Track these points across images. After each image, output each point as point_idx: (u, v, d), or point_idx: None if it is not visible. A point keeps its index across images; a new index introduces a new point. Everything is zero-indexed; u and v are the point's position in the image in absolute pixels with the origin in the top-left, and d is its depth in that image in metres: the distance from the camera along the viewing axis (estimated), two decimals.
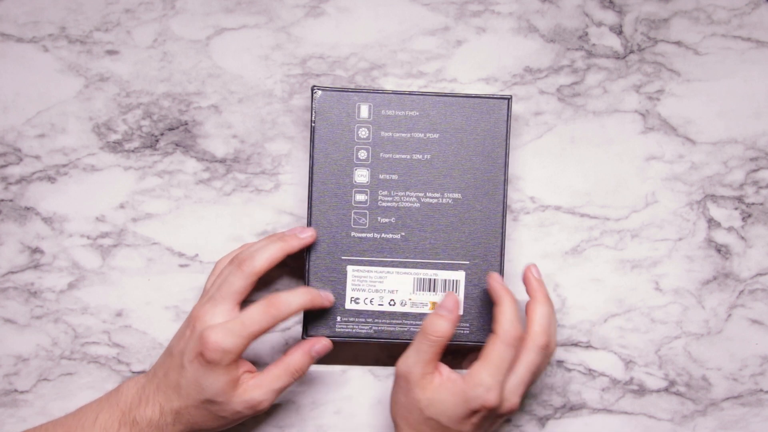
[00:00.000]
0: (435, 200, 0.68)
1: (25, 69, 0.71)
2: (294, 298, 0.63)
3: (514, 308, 0.63)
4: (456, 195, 0.68)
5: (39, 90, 0.71)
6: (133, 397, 0.63)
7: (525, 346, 0.62)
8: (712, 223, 0.73)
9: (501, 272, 0.68)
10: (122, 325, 0.72)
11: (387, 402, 0.72)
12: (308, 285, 0.68)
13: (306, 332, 0.68)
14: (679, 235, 0.73)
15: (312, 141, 0.68)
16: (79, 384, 0.71)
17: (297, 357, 0.64)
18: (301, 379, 0.70)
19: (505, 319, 0.62)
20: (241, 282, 0.63)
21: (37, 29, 0.71)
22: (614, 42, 0.73)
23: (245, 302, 0.64)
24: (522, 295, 0.72)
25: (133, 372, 0.71)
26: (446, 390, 0.61)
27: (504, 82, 0.72)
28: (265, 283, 0.72)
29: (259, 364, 0.72)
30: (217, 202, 0.72)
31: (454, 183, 0.68)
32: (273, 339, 0.72)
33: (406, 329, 0.68)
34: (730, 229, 0.73)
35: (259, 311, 0.62)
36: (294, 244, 0.65)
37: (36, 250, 0.71)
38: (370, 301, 0.68)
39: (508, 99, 0.68)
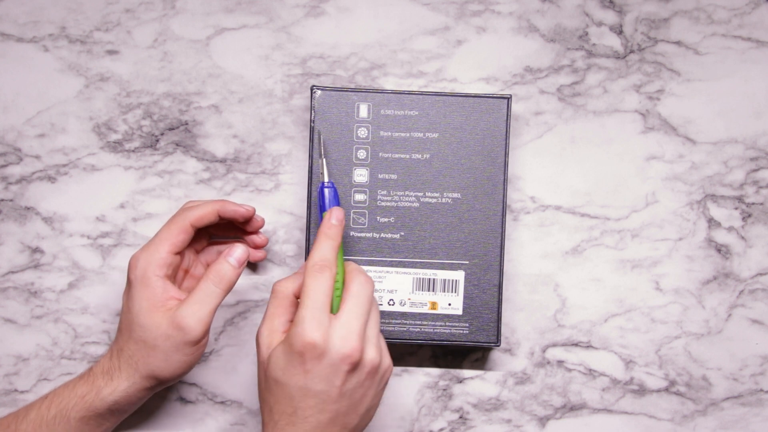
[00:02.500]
0: (434, 200, 0.68)
1: (25, 69, 0.71)
2: (203, 204, 0.65)
3: (327, 243, 0.61)
4: (455, 194, 0.68)
5: (39, 90, 0.71)
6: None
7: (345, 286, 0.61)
8: (712, 222, 0.73)
9: (501, 272, 0.68)
10: None
11: (387, 402, 0.72)
12: None
13: None
14: (680, 235, 0.73)
15: (311, 141, 0.68)
16: None
17: (216, 266, 0.63)
18: None
19: (314, 249, 0.61)
20: (174, 229, 0.63)
21: (37, 29, 0.71)
22: (614, 42, 0.73)
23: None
24: (521, 294, 0.72)
25: None
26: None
27: (504, 81, 0.72)
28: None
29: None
30: None
31: (454, 183, 0.68)
32: None
33: (405, 329, 0.68)
34: (730, 228, 0.73)
35: (167, 224, 0.64)
36: (228, 208, 0.65)
37: (36, 250, 0.71)
38: None
39: (508, 98, 0.68)
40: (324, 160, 0.66)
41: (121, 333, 0.63)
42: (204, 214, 0.64)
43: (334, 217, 0.62)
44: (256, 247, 0.70)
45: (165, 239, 0.63)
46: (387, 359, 0.60)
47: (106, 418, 0.63)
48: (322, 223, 0.62)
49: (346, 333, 0.57)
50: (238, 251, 0.63)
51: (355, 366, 0.57)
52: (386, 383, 0.61)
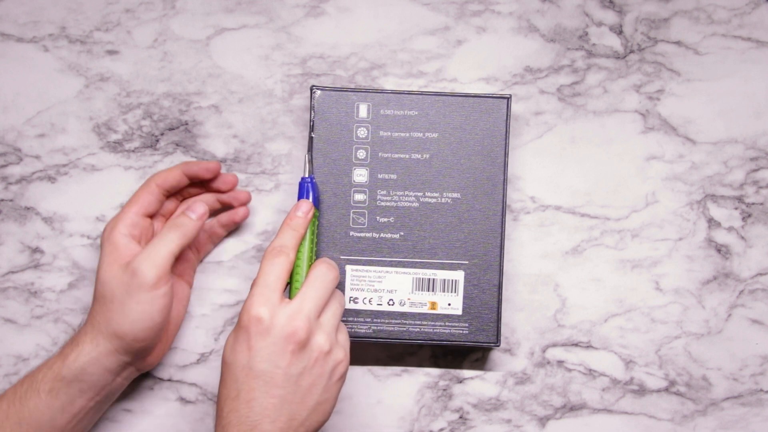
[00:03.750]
0: (434, 200, 0.68)
1: (25, 69, 0.72)
2: (168, 168, 0.66)
3: (288, 232, 0.63)
4: (455, 194, 0.68)
5: (39, 90, 0.71)
6: None
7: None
8: (712, 222, 0.73)
9: (500, 272, 0.68)
10: None
11: (387, 402, 0.72)
12: None
13: None
14: (680, 235, 0.73)
15: (310, 141, 0.68)
16: None
17: (173, 219, 0.65)
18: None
19: (275, 237, 0.63)
20: (141, 191, 0.65)
21: (37, 29, 0.71)
22: (614, 42, 0.73)
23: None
24: (521, 294, 0.72)
25: None
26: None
27: (504, 81, 0.72)
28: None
29: None
30: None
31: (453, 182, 0.68)
32: None
33: (405, 329, 0.68)
34: (730, 228, 0.73)
35: (139, 187, 0.66)
36: (194, 168, 0.67)
37: (36, 250, 0.71)
38: (369, 301, 0.68)
39: (508, 98, 0.68)
40: (308, 155, 0.67)
41: (93, 301, 0.63)
42: (168, 175, 0.66)
43: (300, 209, 0.64)
44: (241, 204, 0.70)
45: (131, 202, 0.65)
46: (340, 353, 0.60)
47: (76, 392, 0.61)
48: (288, 214, 0.64)
49: (294, 313, 0.58)
50: (196, 205, 0.65)
51: (300, 346, 0.58)
52: (339, 380, 0.61)
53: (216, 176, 0.68)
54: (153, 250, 0.61)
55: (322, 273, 0.61)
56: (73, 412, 0.62)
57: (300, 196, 0.66)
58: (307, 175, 0.67)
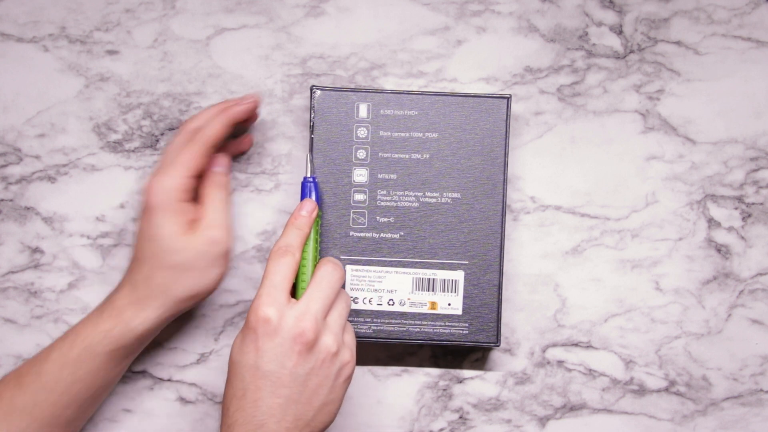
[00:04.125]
0: (434, 200, 0.68)
1: (25, 69, 0.71)
2: (212, 124, 0.65)
3: (293, 231, 0.63)
4: (455, 194, 0.68)
5: (39, 90, 0.71)
6: None
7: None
8: (712, 222, 0.73)
9: (500, 272, 0.68)
10: None
11: (387, 402, 0.72)
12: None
13: None
14: (680, 235, 0.73)
15: (311, 141, 0.68)
16: None
17: (209, 179, 0.66)
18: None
19: (280, 237, 0.63)
20: (193, 154, 0.64)
21: (37, 29, 0.71)
22: (614, 42, 0.73)
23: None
24: (521, 294, 0.72)
25: (132, 372, 0.72)
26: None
27: (504, 81, 0.72)
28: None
29: None
30: None
31: (453, 182, 0.68)
32: None
33: (405, 329, 0.68)
34: (730, 228, 0.73)
35: (186, 148, 0.64)
36: (238, 110, 0.66)
37: (36, 250, 0.71)
38: (369, 301, 0.68)
39: (508, 98, 0.68)
40: (310, 155, 0.67)
41: (145, 262, 0.62)
42: (216, 134, 0.64)
43: (304, 208, 0.64)
44: (251, 120, 0.70)
45: (183, 165, 0.63)
46: (347, 354, 0.61)
47: (134, 350, 0.64)
48: (292, 214, 0.64)
49: (301, 314, 0.59)
50: (219, 158, 0.67)
51: (307, 347, 0.58)
52: (345, 381, 0.61)
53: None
54: (220, 216, 0.63)
55: (328, 272, 0.62)
56: (120, 373, 0.65)
57: (303, 196, 0.66)
58: (309, 175, 0.67)
